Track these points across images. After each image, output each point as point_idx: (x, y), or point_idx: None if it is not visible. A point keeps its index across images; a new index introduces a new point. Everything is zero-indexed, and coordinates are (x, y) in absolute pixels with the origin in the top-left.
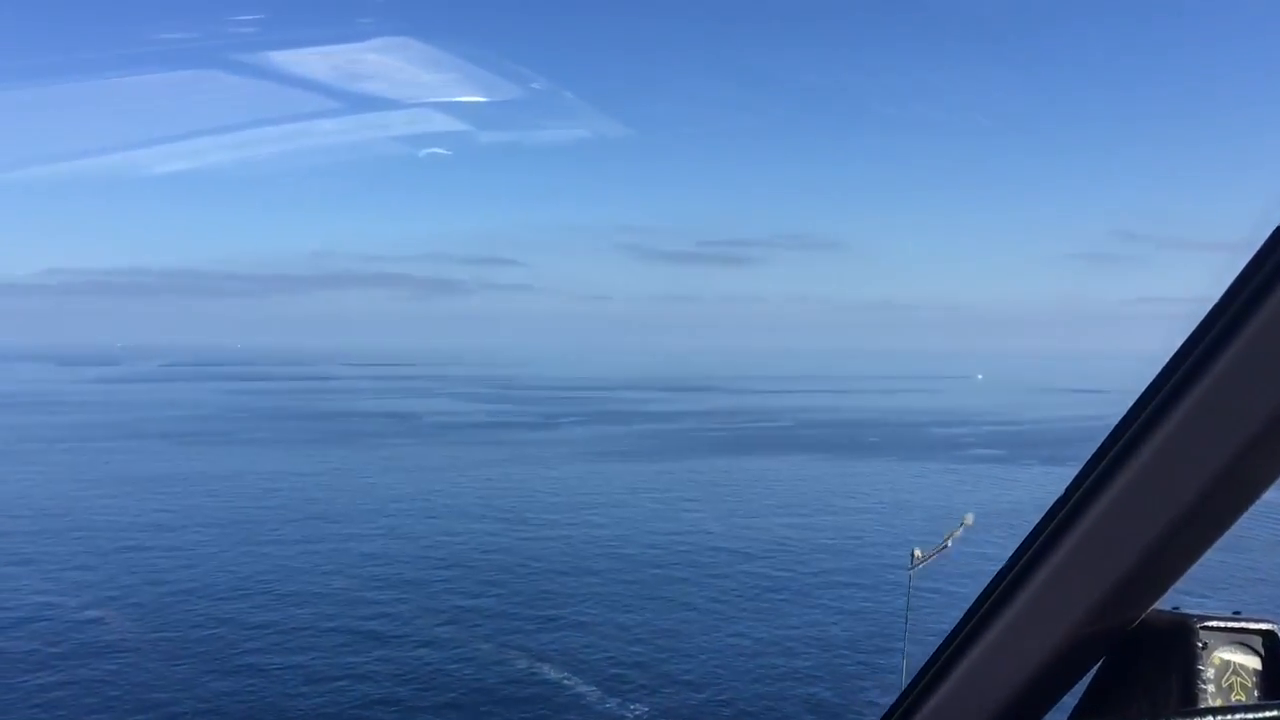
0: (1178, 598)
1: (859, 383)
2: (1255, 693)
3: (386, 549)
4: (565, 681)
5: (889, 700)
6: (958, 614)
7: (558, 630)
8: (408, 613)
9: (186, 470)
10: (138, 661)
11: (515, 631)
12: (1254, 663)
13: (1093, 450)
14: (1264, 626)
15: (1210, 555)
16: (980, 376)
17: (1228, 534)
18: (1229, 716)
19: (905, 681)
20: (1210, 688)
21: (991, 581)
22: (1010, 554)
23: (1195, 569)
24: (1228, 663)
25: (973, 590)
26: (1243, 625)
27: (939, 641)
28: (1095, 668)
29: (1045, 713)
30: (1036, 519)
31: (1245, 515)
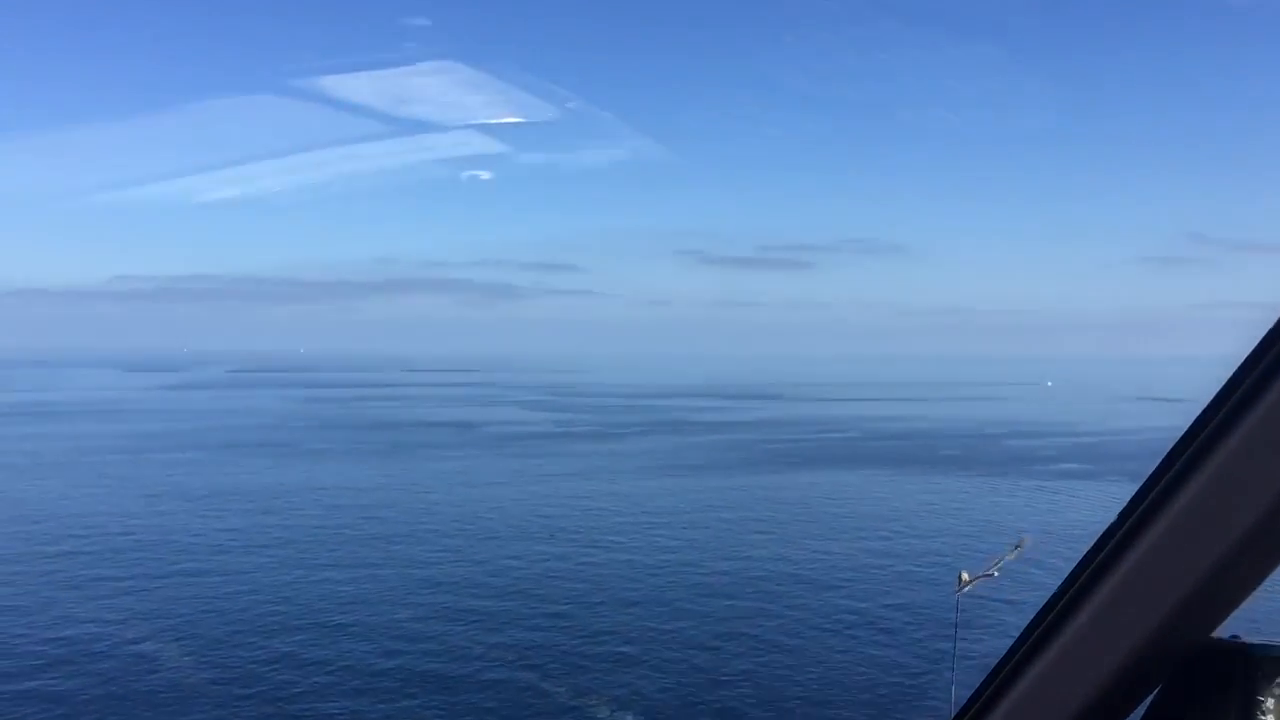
0: (1237, 624)
1: (926, 390)
2: None
3: (450, 574)
4: None
5: None
6: (1010, 639)
7: (633, 671)
8: (472, 649)
9: (247, 484)
10: (183, 709)
11: (588, 671)
12: None
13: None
14: None
15: (1273, 580)
16: (1050, 383)
17: None
18: None
19: (954, 710)
20: (1269, 718)
21: (1044, 606)
22: (1064, 576)
23: (1257, 595)
24: None
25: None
26: None
27: (988, 668)
28: (1151, 695)
29: None
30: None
31: None
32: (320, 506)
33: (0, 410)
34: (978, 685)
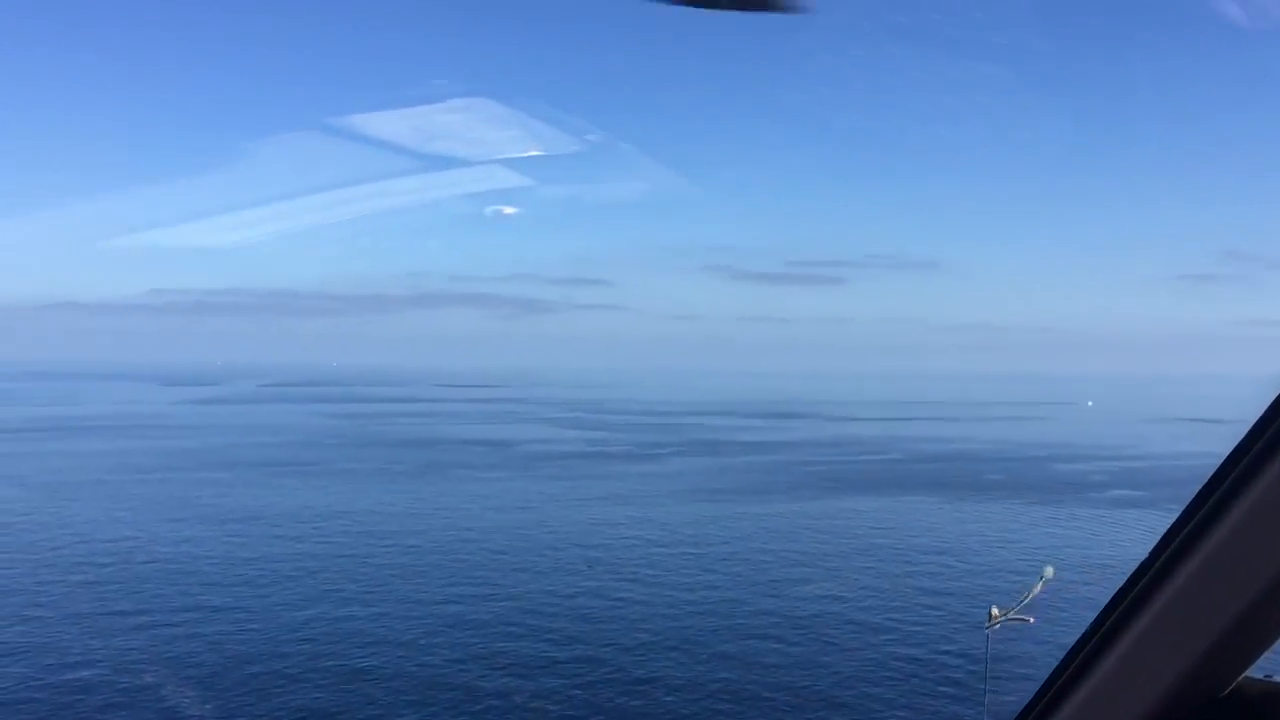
0: (1274, 663)
1: (963, 409)
2: None
3: (481, 612)
4: None
5: None
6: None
7: None
8: (504, 699)
9: (275, 507)
10: None
11: None
12: None
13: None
14: None
15: None
16: (1090, 403)
17: None
18: None
19: None
20: None
21: (1076, 644)
22: (1096, 614)
23: None
24: None
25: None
26: None
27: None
28: None
29: None
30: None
31: None
32: (348, 534)
33: (32, 426)
34: None
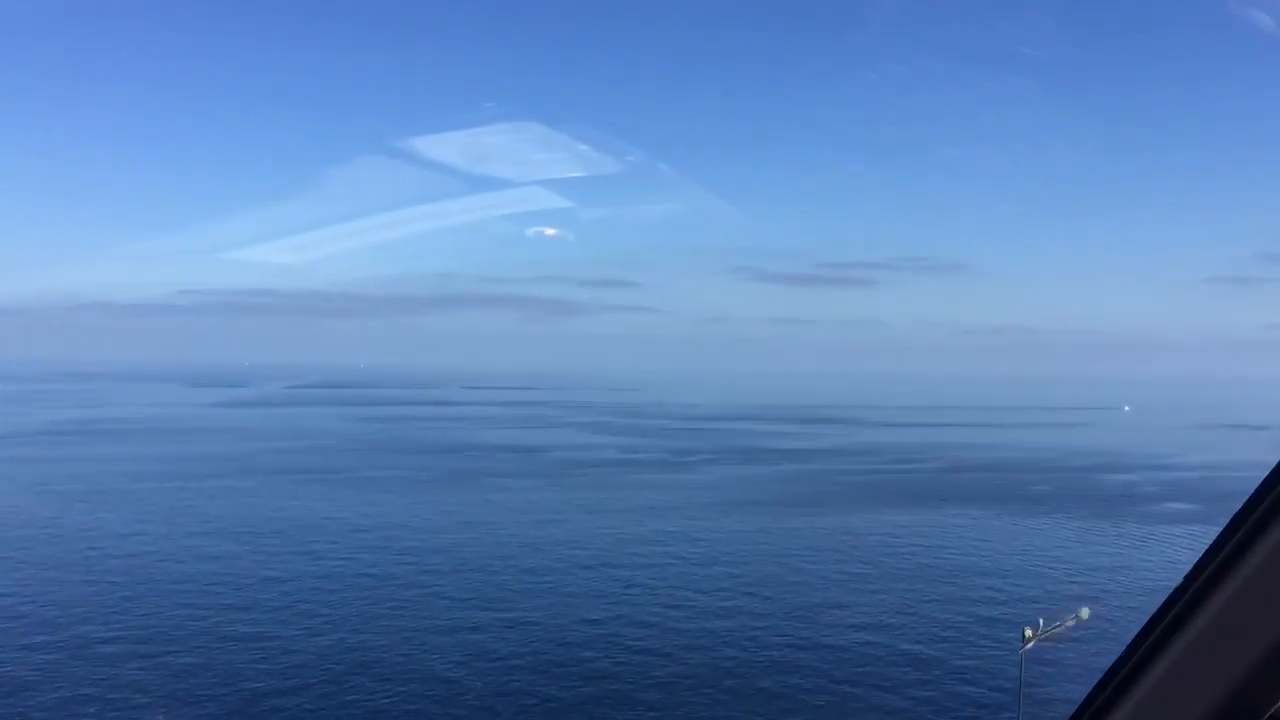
0: None
1: (997, 414)
2: None
3: (510, 645)
4: None
5: None
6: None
7: None
8: None
9: (298, 519)
10: None
11: None
12: None
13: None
14: None
15: None
16: (1128, 408)
17: None
18: None
19: None
20: None
21: (1111, 668)
22: (1131, 638)
23: None
24: None
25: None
26: None
27: None
28: None
29: None
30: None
31: None
32: (371, 550)
33: (59, 429)
34: None
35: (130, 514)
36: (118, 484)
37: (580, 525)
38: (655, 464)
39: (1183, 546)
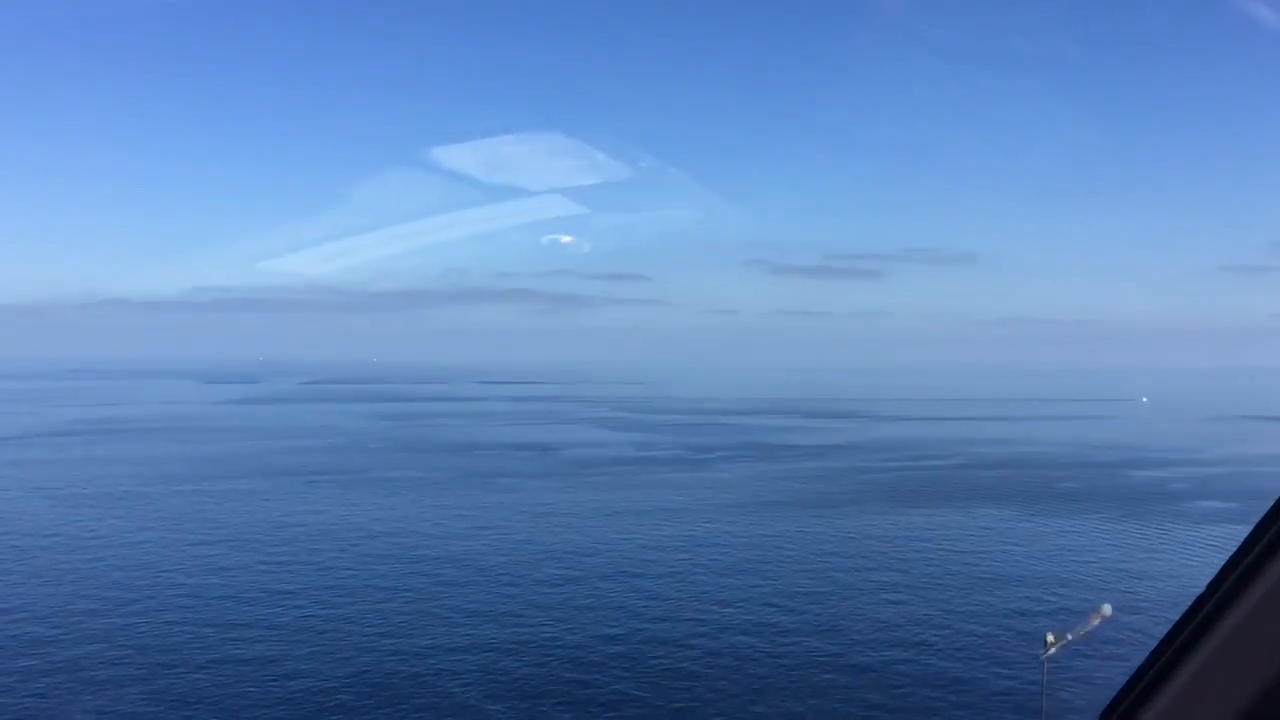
0: None
1: (1014, 406)
2: None
3: (534, 663)
4: None
5: None
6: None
7: None
8: None
9: (308, 525)
10: None
11: None
12: None
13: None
14: None
15: None
16: (1145, 400)
17: None
18: None
19: None
20: None
21: (1134, 673)
22: (1150, 649)
23: None
24: None
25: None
26: None
27: None
28: None
29: None
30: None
31: None
32: (382, 558)
33: (70, 429)
34: None
35: (136, 520)
36: (125, 487)
37: (598, 530)
38: (671, 461)
39: (1227, 552)
